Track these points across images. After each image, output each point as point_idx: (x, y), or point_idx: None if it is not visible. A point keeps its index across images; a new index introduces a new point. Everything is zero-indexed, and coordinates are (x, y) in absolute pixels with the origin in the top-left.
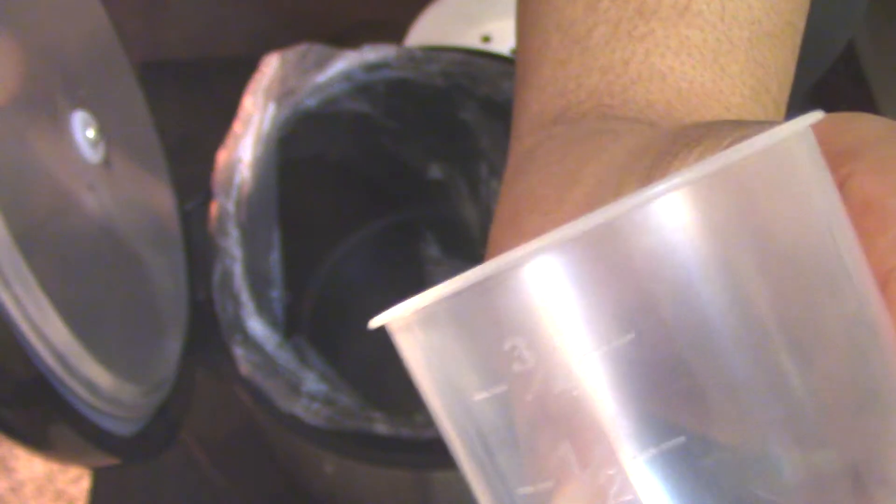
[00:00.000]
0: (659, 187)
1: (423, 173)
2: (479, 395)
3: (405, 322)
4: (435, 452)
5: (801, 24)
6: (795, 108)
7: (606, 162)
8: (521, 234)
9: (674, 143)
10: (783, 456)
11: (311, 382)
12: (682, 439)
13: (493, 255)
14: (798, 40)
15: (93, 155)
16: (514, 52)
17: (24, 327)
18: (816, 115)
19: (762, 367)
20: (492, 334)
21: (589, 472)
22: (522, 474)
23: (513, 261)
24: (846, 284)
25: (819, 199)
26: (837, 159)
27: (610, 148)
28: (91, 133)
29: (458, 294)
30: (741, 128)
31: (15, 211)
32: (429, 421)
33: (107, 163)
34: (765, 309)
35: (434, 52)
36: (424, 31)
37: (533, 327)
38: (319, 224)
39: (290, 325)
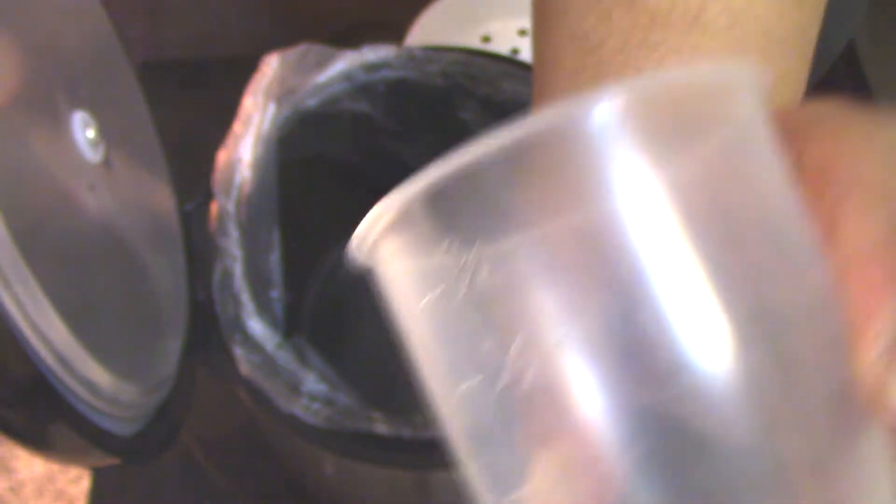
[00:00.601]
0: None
1: None
2: (463, 386)
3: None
4: (435, 452)
5: (813, 31)
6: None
7: None
8: None
9: None
10: (746, 442)
11: (311, 382)
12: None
13: None
14: (811, 48)
15: (93, 155)
16: (532, 60)
17: (24, 327)
18: (764, 70)
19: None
20: (473, 335)
21: (569, 446)
22: (457, 371)
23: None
24: (789, 233)
25: (766, 160)
26: (793, 134)
27: None
28: (91, 133)
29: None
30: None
31: (15, 211)
32: (429, 421)
33: (107, 163)
34: (708, 260)
35: (434, 52)
36: (424, 31)
37: (501, 322)
38: (319, 224)
39: (290, 325)
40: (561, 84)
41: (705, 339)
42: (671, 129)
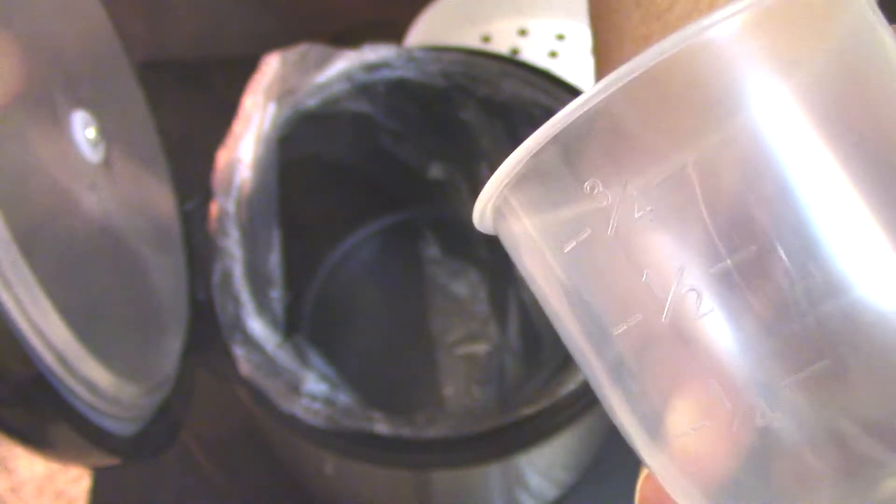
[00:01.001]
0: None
1: (423, 173)
2: (569, 245)
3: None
4: (435, 452)
5: None
6: None
7: None
8: None
9: None
10: None
11: (311, 382)
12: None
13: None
14: None
15: (93, 155)
16: (590, 26)
17: (24, 327)
18: None
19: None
20: (631, 268)
21: (671, 299)
22: (614, 313)
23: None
24: None
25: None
26: None
27: None
28: (91, 133)
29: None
30: None
31: (15, 211)
32: (429, 421)
33: (107, 163)
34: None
35: (434, 52)
36: (424, 31)
37: (610, 163)
38: (319, 224)
39: (290, 325)
40: (628, 49)
41: (866, 255)
42: (794, 35)
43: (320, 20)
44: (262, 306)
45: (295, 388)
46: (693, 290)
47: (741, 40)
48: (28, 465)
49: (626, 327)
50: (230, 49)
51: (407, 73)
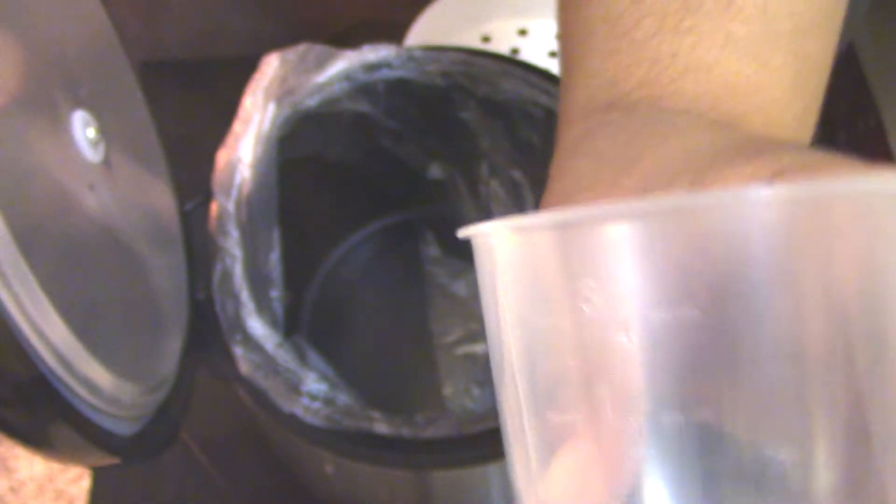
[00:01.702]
0: (767, 191)
1: (423, 173)
2: (544, 321)
3: (505, 237)
4: (435, 452)
5: (839, 15)
6: None
7: (662, 157)
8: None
9: (732, 153)
10: (790, 467)
11: (311, 382)
12: (705, 417)
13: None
14: (837, 31)
15: (93, 155)
16: (558, 37)
17: (24, 327)
18: None
19: (800, 384)
20: (572, 270)
21: (616, 418)
22: (556, 402)
23: (613, 212)
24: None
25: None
26: None
27: (668, 143)
28: (91, 133)
29: (558, 226)
30: (795, 152)
31: (15, 211)
32: (428, 421)
33: (107, 163)
34: (816, 330)
35: (434, 52)
36: (424, 31)
37: (609, 276)
38: (319, 224)
39: (290, 325)
40: (595, 64)
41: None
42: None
43: (320, 20)
44: (262, 306)
45: (295, 388)
46: (642, 428)
47: (773, 220)
48: (28, 464)
49: (560, 419)
50: (230, 49)
51: (407, 73)
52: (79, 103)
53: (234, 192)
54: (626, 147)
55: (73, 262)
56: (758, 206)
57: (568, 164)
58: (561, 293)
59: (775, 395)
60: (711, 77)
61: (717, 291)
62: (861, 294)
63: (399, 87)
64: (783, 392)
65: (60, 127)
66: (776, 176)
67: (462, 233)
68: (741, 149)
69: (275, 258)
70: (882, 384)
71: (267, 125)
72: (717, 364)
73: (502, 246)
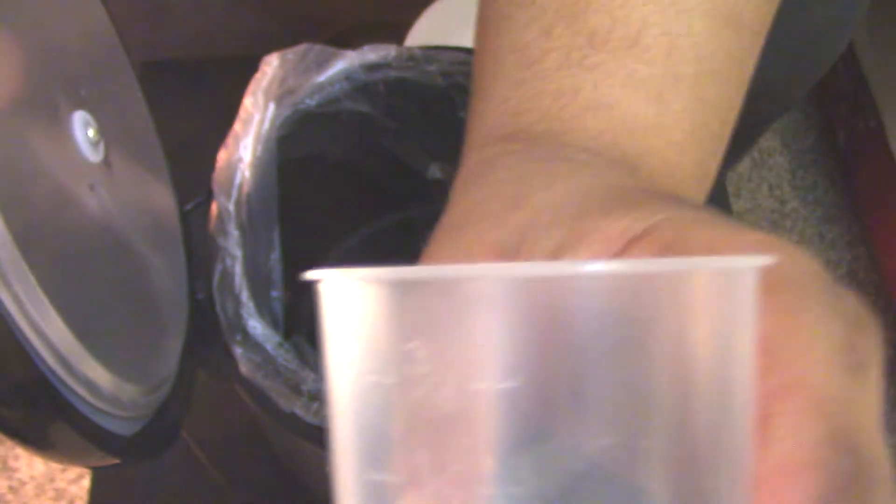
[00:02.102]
0: (600, 266)
1: (423, 173)
2: (371, 377)
3: (342, 287)
4: None
5: (751, 61)
6: (796, 108)
7: (547, 199)
8: (461, 244)
9: (610, 204)
10: None
11: (311, 382)
12: (515, 492)
13: (431, 256)
14: (746, 79)
15: (93, 155)
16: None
17: (24, 327)
18: (768, 260)
19: (625, 465)
20: (401, 331)
21: (437, 485)
22: (379, 462)
23: (443, 276)
24: (733, 415)
25: (737, 333)
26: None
27: (556, 184)
28: (91, 133)
29: (391, 283)
30: (673, 207)
31: (15, 211)
32: None
33: (107, 163)
34: (649, 406)
35: (434, 52)
36: (424, 31)
37: (437, 340)
38: (319, 224)
39: (290, 325)
40: (501, 93)
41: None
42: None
43: (320, 20)
44: (262, 306)
45: (295, 388)
46: (461, 497)
47: (626, 298)
48: (28, 464)
49: (380, 478)
50: (230, 49)
51: (407, 73)
52: (79, 103)
53: (234, 192)
54: (520, 182)
55: (73, 262)
56: (590, 280)
57: (466, 190)
58: (389, 351)
59: (603, 470)
60: (612, 116)
61: (544, 363)
62: (687, 371)
63: (399, 87)
64: (611, 469)
65: (60, 127)
66: (646, 233)
67: (305, 276)
68: (621, 199)
69: (275, 258)
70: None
71: (267, 125)
72: (535, 439)
73: (335, 295)
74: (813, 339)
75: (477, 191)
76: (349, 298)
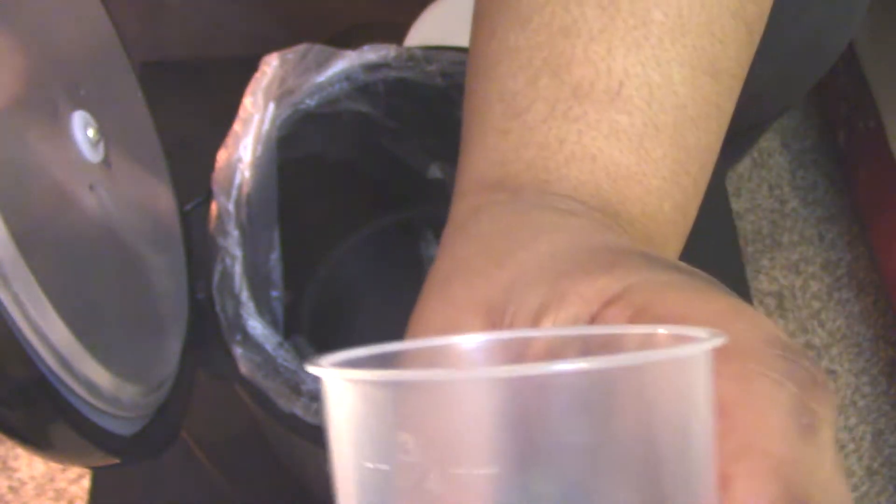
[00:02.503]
0: (560, 367)
1: (423, 173)
2: (369, 464)
3: (335, 384)
4: None
5: (729, 104)
6: (796, 108)
7: (529, 257)
8: (450, 301)
9: (589, 263)
10: None
11: (312, 382)
12: None
13: (423, 313)
14: (725, 120)
15: (93, 155)
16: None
17: (24, 327)
18: (720, 340)
19: None
20: (391, 422)
21: None
22: None
23: (426, 379)
24: (697, 486)
25: (695, 411)
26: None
27: (542, 238)
28: (91, 133)
29: (377, 384)
30: (645, 269)
31: (15, 211)
32: None
33: (107, 163)
34: (618, 493)
35: (434, 52)
36: (424, 31)
37: (423, 432)
38: (319, 224)
39: (290, 325)
40: (489, 141)
41: None
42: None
43: (320, 20)
44: (262, 306)
45: (295, 388)
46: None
47: (589, 391)
48: (28, 464)
49: (373, 466)
50: (230, 49)
51: (406, 73)
52: (79, 103)
53: (234, 192)
54: (505, 236)
55: (73, 262)
56: (559, 377)
57: (454, 241)
58: (383, 441)
59: None
60: (595, 166)
61: (520, 449)
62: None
63: (399, 87)
64: None
65: (60, 127)
66: (618, 297)
67: (309, 369)
68: (599, 259)
69: (275, 258)
70: None
71: (267, 125)
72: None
73: (333, 387)
74: (766, 404)
75: (464, 243)
76: (344, 392)
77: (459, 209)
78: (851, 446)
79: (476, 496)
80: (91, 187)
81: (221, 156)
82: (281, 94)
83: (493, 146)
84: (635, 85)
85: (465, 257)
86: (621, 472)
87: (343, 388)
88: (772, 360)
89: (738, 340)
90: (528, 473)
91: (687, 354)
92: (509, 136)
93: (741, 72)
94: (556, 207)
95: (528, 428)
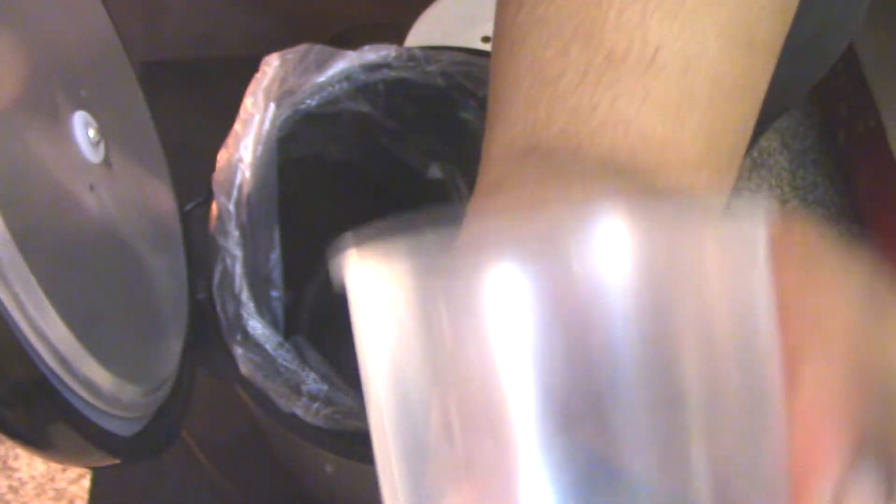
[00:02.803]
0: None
1: (423, 173)
2: (423, 368)
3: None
4: None
5: (764, 78)
6: (796, 108)
7: (564, 207)
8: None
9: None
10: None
11: (311, 382)
12: (588, 456)
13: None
14: (760, 95)
15: (93, 155)
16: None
17: (24, 327)
18: (768, 203)
19: (663, 421)
20: (453, 314)
21: (498, 466)
22: (432, 451)
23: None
24: (758, 365)
25: (755, 284)
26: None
27: (572, 188)
28: (91, 133)
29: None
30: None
31: (15, 211)
32: None
33: (107, 163)
34: (680, 367)
35: (434, 52)
36: (424, 31)
37: (484, 320)
38: (319, 224)
39: (290, 325)
40: (518, 111)
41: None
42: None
43: (320, 21)
44: (262, 306)
45: (295, 389)
46: (525, 472)
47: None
48: (28, 464)
49: (441, 465)
50: (230, 49)
51: (407, 73)
52: (79, 104)
53: (234, 192)
54: (537, 188)
55: (73, 262)
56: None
57: (483, 203)
58: (440, 341)
59: (652, 434)
60: (629, 132)
61: (573, 353)
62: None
63: (399, 87)
64: (658, 432)
65: (60, 127)
66: None
67: (336, 271)
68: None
69: (275, 258)
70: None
71: (267, 125)
72: (593, 410)
73: (363, 282)
74: (833, 288)
75: (495, 204)
76: (376, 283)
77: (487, 178)
78: None
79: (550, 386)
80: (91, 187)
81: (222, 156)
82: (281, 94)
83: (522, 115)
84: (670, 53)
85: (495, 215)
86: (681, 359)
87: (371, 280)
88: (830, 248)
89: (793, 235)
90: (583, 377)
91: (740, 212)
92: (540, 104)
93: (776, 46)
94: (587, 170)
95: (583, 323)
